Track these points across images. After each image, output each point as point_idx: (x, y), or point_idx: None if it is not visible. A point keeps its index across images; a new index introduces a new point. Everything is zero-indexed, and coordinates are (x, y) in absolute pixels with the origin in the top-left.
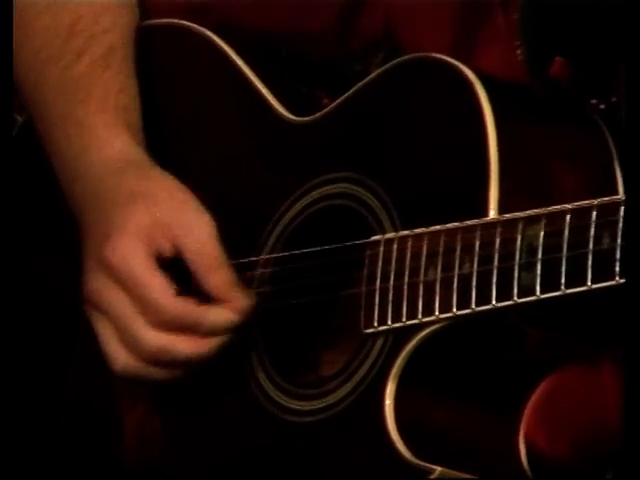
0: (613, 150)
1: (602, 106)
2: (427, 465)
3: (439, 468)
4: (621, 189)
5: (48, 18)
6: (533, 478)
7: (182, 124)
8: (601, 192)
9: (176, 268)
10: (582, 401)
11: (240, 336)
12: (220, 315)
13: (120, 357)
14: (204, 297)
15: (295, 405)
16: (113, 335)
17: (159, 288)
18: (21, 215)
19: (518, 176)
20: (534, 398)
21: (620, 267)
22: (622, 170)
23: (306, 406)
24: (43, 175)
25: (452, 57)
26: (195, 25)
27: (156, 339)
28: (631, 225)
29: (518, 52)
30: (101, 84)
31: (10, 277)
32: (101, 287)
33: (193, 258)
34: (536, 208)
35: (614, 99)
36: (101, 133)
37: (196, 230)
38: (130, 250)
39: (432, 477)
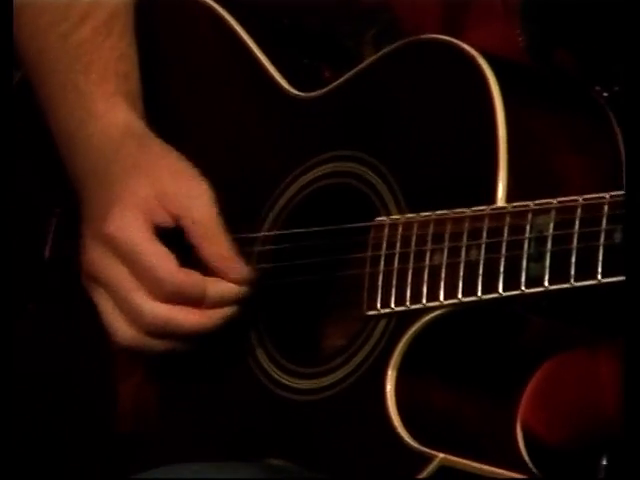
0: (620, 137)
1: (605, 94)
2: (428, 451)
3: (440, 455)
4: None
5: None
6: (529, 462)
7: (182, 95)
8: (609, 180)
9: (177, 240)
10: (579, 386)
11: (243, 311)
12: (222, 287)
13: (120, 329)
14: (206, 270)
15: (293, 383)
16: (113, 307)
17: (159, 259)
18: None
19: (526, 162)
20: (532, 383)
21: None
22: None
23: (304, 384)
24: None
25: (443, 32)
26: None
27: (156, 310)
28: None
29: (520, 39)
30: (103, 51)
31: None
32: (99, 258)
33: (192, 227)
34: (544, 195)
35: (616, 88)
36: (101, 103)
37: (195, 199)
38: (129, 221)
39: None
